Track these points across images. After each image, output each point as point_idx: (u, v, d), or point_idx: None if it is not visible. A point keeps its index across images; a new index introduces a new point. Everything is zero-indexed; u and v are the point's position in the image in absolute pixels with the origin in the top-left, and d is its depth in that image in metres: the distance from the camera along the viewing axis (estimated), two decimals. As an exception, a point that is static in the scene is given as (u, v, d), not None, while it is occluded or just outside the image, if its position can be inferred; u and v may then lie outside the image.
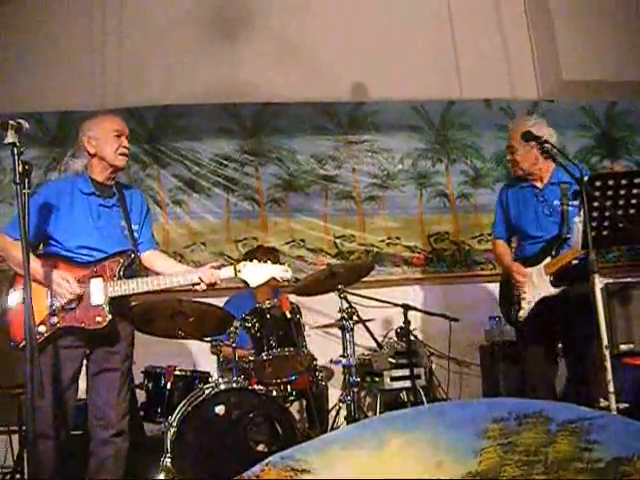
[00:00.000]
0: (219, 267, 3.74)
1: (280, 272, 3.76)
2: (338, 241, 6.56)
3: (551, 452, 2.41)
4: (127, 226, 3.76)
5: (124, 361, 3.75)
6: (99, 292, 3.56)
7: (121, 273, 3.62)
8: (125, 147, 3.80)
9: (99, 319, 3.53)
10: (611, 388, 3.46)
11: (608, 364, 3.47)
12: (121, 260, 3.64)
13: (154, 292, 3.69)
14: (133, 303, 4.05)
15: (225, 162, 6.50)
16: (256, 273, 3.72)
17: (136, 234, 3.81)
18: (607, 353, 3.48)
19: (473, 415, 2.40)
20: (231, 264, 3.81)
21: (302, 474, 2.26)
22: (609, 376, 3.47)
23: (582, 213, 3.60)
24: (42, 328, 3.48)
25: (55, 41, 6.38)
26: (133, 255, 3.69)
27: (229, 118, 6.56)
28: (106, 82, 6.47)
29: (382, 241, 6.62)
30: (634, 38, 6.81)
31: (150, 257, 3.89)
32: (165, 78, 6.54)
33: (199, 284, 3.66)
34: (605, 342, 3.48)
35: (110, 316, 3.54)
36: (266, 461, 2.27)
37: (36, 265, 3.49)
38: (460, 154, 6.76)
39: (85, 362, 3.70)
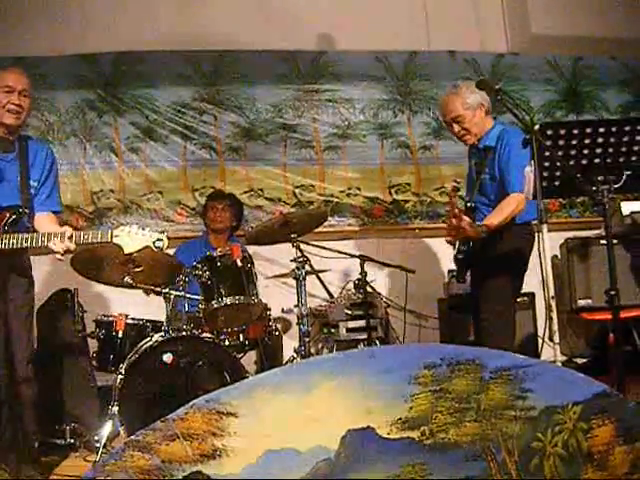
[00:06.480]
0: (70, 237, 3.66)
1: (155, 241, 3.76)
2: (297, 191, 6.49)
3: (484, 399, 2.39)
4: (22, 181, 3.70)
5: (17, 310, 3.73)
6: None
7: (6, 227, 3.56)
8: (14, 104, 3.69)
9: None
10: (556, 339, 3.45)
11: (554, 314, 3.45)
12: (7, 214, 3.58)
13: None
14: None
15: (183, 110, 6.39)
16: (131, 240, 3.72)
17: (33, 190, 3.76)
18: (553, 304, 3.46)
19: (404, 360, 2.37)
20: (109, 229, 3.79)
21: (227, 417, 2.22)
22: (555, 327, 3.46)
23: (532, 162, 3.56)
24: None
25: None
26: (21, 210, 3.63)
27: (187, 65, 6.43)
28: (67, 28, 6.32)
29: (342, 192, 6.56)
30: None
31: (39, 219, 3.84)
32: (124, 24, 6.37)
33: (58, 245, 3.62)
34: (551, 293, 3.46)
35: None
36: (191, 403, 2.23)
37: None
38: (423, 105, 6.67)
39: None
